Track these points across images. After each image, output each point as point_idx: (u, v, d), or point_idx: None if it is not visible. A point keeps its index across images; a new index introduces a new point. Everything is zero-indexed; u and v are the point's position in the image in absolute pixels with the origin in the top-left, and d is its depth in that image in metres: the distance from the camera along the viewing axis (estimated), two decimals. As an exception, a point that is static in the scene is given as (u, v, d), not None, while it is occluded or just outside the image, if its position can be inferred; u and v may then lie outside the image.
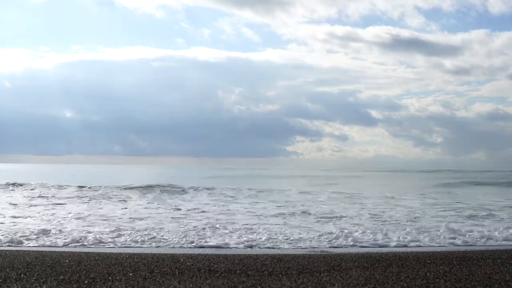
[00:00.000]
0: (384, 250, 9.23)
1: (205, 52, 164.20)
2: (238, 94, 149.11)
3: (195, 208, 18.08)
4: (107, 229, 11.71)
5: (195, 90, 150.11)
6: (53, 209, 17.40)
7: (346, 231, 11.71)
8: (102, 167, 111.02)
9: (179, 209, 17.70)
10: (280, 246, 9.86)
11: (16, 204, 18.96)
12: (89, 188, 27.79)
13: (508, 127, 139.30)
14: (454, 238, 11.11)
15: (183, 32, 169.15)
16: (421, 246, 10.23)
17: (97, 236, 10.57)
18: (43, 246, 9.61)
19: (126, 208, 18.26)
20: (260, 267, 6.41)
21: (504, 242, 10.87)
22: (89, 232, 11.14)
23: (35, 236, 10.51)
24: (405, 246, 10.21)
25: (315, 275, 5.88)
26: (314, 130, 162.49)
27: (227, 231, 11.75)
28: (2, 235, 10.49)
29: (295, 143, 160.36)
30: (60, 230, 11.36)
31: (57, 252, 8.05)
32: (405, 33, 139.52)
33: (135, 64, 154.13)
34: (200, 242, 10.10)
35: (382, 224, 13.61)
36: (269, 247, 9.71)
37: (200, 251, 8.84)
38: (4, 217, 14.44)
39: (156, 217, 15.08)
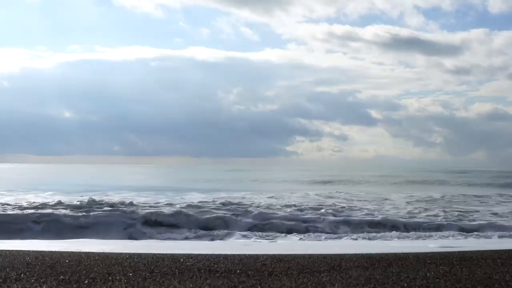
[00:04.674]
0: (384, 250, 9.23)
1: (204, 52, 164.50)
2: (237, 94, 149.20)
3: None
4: None
5: (194, 90, 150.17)
6: None
7: None
8: (90, 167, 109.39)
9: None
10: None
11: None
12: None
13: (508, 127, 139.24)
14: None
15: (182, 31, 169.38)
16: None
17: None
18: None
19: None
20: (260, 267, 6.41)
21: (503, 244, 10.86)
22: None
23: None
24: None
25: (315, 275, 5.88)
26: (313, 130, 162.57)
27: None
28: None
29: (295, 143, 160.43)
30: None
31: (57, 252, 8.04)
32: (404, 32, 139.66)
33: (134, 64, 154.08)
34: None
35: None
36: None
37: (200, 251, 8.84)
38: None
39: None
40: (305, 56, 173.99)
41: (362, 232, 14.39)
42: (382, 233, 14.18)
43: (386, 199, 22.76)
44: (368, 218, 16.29)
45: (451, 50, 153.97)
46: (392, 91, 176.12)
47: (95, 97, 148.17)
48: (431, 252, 8.50)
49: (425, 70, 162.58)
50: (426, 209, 18.96)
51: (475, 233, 14.43)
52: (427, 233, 14.17)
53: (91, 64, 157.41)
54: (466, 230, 14.91)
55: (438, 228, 15.37)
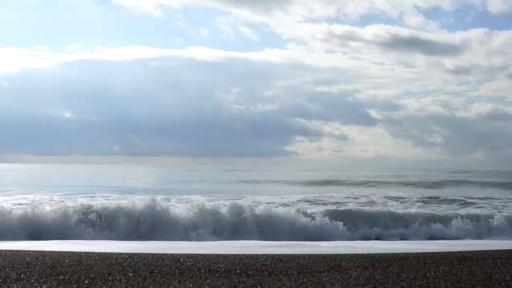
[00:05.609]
0: (384, 250, 9.23)
1: (203, 52, 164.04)
2: (237, 94, 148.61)
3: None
4: None
5: (194, 90, 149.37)
6: None
7: None
8: (95, 168, 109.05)
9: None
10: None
11: None
12: None
13: (508, 127, 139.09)
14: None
15: (181, 31, 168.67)
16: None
17: None
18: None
19: None
20: (260, 267, 6.41)
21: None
22: None
23: None
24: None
25: (315, 275, 5.88)
26: (313, 130, 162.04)
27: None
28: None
29: (295, 143, 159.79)
30: None
31: (57, 252, 8.05)
32: (404, 32, 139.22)
33: (133, 64, 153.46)
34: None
35: None
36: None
37: (200, 251, 8.84)
38: None
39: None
40: (305, 56, 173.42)
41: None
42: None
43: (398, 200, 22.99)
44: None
45: (451, 50, 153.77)
46: (392, 91, 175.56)
47: (95, 97, 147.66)
48: (431, 252, 8.49)
49: (425, 70, 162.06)
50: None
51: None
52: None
53: (91, 64, 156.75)
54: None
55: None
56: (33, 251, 8.13)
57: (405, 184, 42.05)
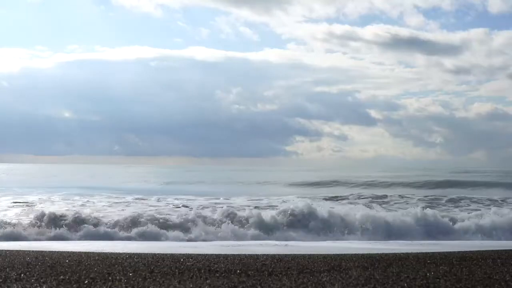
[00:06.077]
0: (384, 250, 9.23)
1: (203, 52, 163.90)
2: (237, 94, 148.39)
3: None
4: None
5: (194, 89, 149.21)
6: None
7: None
8: (98, 168, 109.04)
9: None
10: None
11: None
12: None
13: (508, 127, 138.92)
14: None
15: (181, 31, 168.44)
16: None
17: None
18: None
19: None
20: (260, 267, 6.41)
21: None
22: None
23: None
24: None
25: (315, 275, 5.88)
26: (313, 130, 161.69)
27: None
28: None
29: (295, 143, 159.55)
30: None
31: (57, 252, 8.05)
32: (404, 32, 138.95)
33: (133, 64, 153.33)
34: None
35: None
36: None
37: (200, 251, 8.84)
38: None
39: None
40: (305, 56, 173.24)
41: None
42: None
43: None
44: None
45: (451, 50, 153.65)
46: (391, 91, 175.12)
47: (94, 97, 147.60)
48: (431, 252, 8.50)
49: (425, 70, 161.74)
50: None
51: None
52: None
53: (91, 64, 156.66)
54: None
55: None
56: (33, 251, 8.13)
57: (406, 184, 42.06)
